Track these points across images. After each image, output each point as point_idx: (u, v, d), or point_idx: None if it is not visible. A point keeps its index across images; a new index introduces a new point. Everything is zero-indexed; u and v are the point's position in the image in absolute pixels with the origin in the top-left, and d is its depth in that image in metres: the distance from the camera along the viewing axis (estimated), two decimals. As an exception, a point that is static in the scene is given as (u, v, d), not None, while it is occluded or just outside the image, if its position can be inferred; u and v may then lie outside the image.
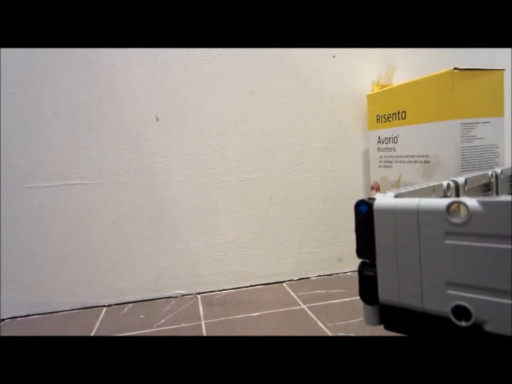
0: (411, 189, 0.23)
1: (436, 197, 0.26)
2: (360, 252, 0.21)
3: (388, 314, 0.20)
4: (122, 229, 0.48)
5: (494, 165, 0.38)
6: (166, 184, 0.49)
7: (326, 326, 0.38)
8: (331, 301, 0.44)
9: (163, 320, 0.43)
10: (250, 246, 0.51)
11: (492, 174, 0.35)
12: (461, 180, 0.29)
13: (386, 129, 0.47)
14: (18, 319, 0.46)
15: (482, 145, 0.38)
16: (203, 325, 0.41)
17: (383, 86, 0.52)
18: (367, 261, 0.21)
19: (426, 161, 0.40)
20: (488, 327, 0.17)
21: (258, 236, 0.51)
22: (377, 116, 0.49)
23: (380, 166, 0.49)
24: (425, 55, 0.56)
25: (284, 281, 0.52)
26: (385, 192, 0.22)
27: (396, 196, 0.21)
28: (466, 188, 0.30)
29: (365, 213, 0.20)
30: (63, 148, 0.46)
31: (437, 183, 0.27)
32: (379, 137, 0.48)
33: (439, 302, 0.18)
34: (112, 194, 0.47)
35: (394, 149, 0.45)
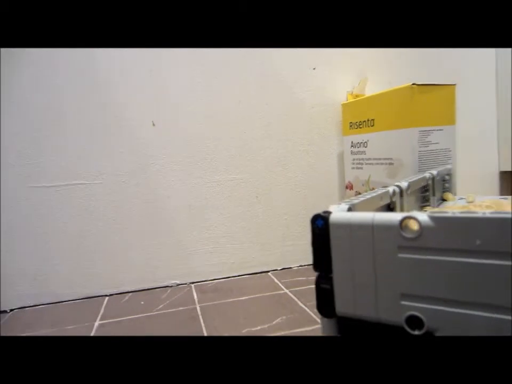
0: (362, 199, 0.25)
1: (383, 203, 0.29)
2: (317, 265, 0.21)
3: (345, 325, 0.21)
4: (121, 225, 0.53)
5: (444, 167, 0.45)
6: (162, 184, 0.54)
7: (305, 305, 0.44)
8: (310, 286, 0.50)
9: (161, 305, 0.48)
10: (238, 239, 0.57)
11: (429, 176, 0.38)
12: (404, 184, 0.31)
13: (358, 135, 0.53)
14: (26, 309, 0.50)
15: (437, 149, 0.44)
16: (198, 308, 0.46)
17: (356, 96, 0.59)
18: (324, 274, 0.21)
19: (390, 163, 0.47)
20: (439, 334, 0.18)
21: (245, 231, 0.57)
22: (350, 123, 0.55)
23: (353, 168, 0.55)
24: (396, 67, 0.62)
25: (268, 271, 0.58)
26: (343, 201, 0.23)
27: (349, 209, 0.22)
28: (408, 192, 0.32)
29: (321, 227, 0.21)
30: (66, 150, 0.50)
31: (384, 190, 0.29)
32: (352, 142, 0.55)
33: (393, 313, 0.19)
34: (111, 193, 0.52)
35: (364, 153, 0.52)
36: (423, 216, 0.18)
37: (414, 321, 0.19)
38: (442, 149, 0.45)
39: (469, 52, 0.67)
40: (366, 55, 0.61)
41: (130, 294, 0.53)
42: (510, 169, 0.69)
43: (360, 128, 0.52)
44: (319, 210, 0.21)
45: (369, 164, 0.51)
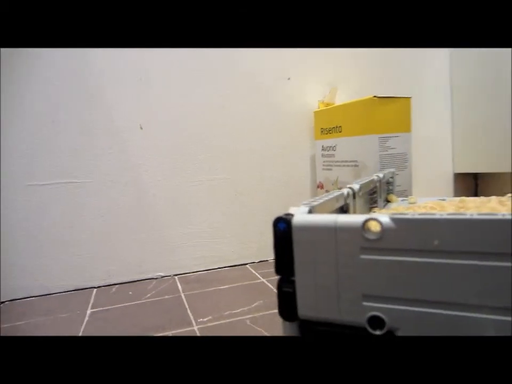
0: (320, 201, 0.25)
1: (339, 205, 0.29)
2: (278, 269, 0.21)
3: (307, 328, 0.21)
4: (109, 221, 0.56)
5: (404, 168, 0.51)
6: (148, 182, 0.58)
7: (280, 292, 0.49)
8: (285, 276, 0.56)
9: (149, 294, 0.52)
10: (219, 234, 0.62)
11: (377, 178, 0.40)
12: (356, 187, 0.33)
13: (328, 139, 0.59)
14: (17, 301, 0.53)
15: (394, 153, 0.51)
16: (183, 296, 0.50)
17: (327, 104, 0.64)
18: (285, 277, 0.21)
19: (355, 165, 0.53)
20: (399, 333, 0.19)
21: (225, 226, 0.62)
22: (321, 128, 0.61)
23: (324, 169, 0.61)
24: (363, 79, 0.69)
25: (247, 263, 0.63)
26: (302, 203, 0.24)
27: (309, 211, 0.22)
28: (360, 194, 0.33)
29: (283, 230, 0.21)
30: (59, 151, 0.54)
31: (339, 193, 0.30)
32: (322, 145, 0.60)
33: (355, 314, 0.19)
34: (101, 191, 0.56)
35: (333, 155, 0.58)
36: (384, 218, 0.19)
37: (376, 321, 0.19)
38: (399, 153, 0.51)
39: (426, 66, 0.74)
40: (336, 67, 0.67)
41: (117, 285, 0.57)
42: (463, 171, 0.77)
43: (330, 133, 0.58)
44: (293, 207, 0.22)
45: (338, 165, 0.57)
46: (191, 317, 0.43)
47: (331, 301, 0.20)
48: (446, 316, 0.18)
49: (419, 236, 0.18)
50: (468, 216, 0.18)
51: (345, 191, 0.31)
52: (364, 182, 0.36)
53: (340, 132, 0.56)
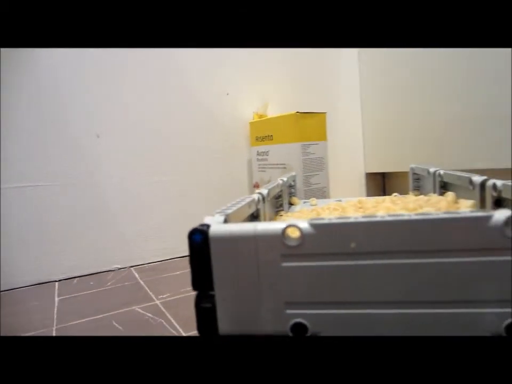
0: (234, 208, 0.25)
1: (251, 211, 0.29)
2: (196, 284, 0.20)
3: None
4: (71, 220, 0.62)
5: (321, 170, 0.64)
6: (106, 185, 0.65)
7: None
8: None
9: (109, 283, 0.59)
10: (170, 229, 0.70)
11: (282, 183, 0.42)
12: (264, 192, 0.33)
13: (262, 146, 0.70)
14: (-20, 296, 0.57)
15: (314, 158, 0.63)
16: (141, 282, 0.58)
17: (261, 116, 0.76)
18: (203, 292, 0.20)
19: (284, 167, 0.65)
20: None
21: (175, 222, 0.70)
22: (256, 136, 0.72)
23: (259, 171, 0.72)
24: (290, 93, 0.81)
25: (195, 254, 0.72)
26: (216, 212, 0.23)
27: (225, 220, 0.22)
28: (268, 199, 0.34)
29: (199, 242, 0.20)
30: (27, 156, 0.59)
31: (250, 199, 0.30)
32: (258, 151, 0.72)
33: (278, 323, 0.19)
34: (64, 193, 0.62)
35: (267, 159, 0.69)
36: (303, 224, 0.19)
37: (299, 328, 0.19)
38: (318, 157, 0.64)
39: (341, 82, 0.89)
40: (267, 83, 0.79)
41: (78, 278, 0.63)
42: (373, 171, 0.93)
43: (263, 141, 0.70)
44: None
45: (270, 168, 0.68)
46: (152, 295, 0.52)
47: (254, 313, 0.19)
48: (366, 315, 0.19)
49: (337, 240, 0.18)
50: (379, 219, 0.18)
51: (255, 196, 0.31)
52: (271, 186, 0.36)
53: (272, 139, 0.67)
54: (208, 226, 0.20)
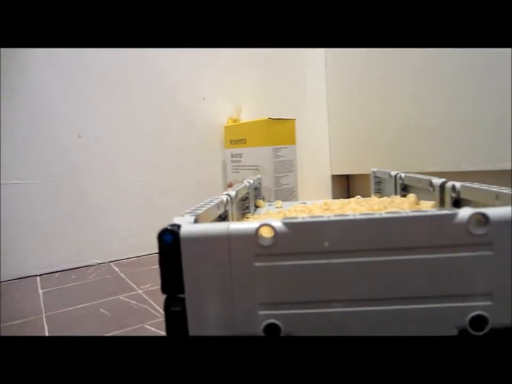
0: (203, 209, 0.24)
1: (220, 212, 0.29)
2: (166, 287, 0.20)
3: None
4: (52, 217, 0.65)
5: (290, 172, 0.70)
6: (87, 183, 0.68)
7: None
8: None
9: (91, 276, 0.62)
10: (146, 226, 0.74)
11: (248, 185, 0.42)
12: (232, 193, 0.33)
13: (236, 148, 0.75)
14: (-39, 290, 0.59)
15: (284, 160, 0.69)
16: (122, 275, 0.62)
17: (234, 120, 0.81)
18: (173, 295, 0.20)
19: (257, 169, 0.70)
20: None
21: (151, 219, 0.74)
22: (230, 140, 0.77)
23: (233, 172, 0.77)
24: (262, 99, 0.87)
25: (171, 250, 0.76)
26: (185, 213, 0.23)
27: (195, 220, 0.21)
28: (236, 200, 0.34)
29: (170, 243, 0.19)
30: (9, 155, 0.61)
31: (219, 199, 0.29)
32: (232, 153, 0.77)
33: (252, 324, 0.19)
34: (43, 191, 0.64)
35: (240, 161, 0.74)
36: (277, 223, 0.19)
37: (272, 329, 0.19)
38: (288, 160, 0.70)
39: (307, 89, 0.96)
40: (240, 89, 0.84)
41: (59, 272, 0.65)
42: (338, 174, 1.00)
43: (237, 144, 0.75)
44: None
45: (243, 169, 0.73)
46: (134, 286, 0.56)
47: (226, 315, 0.19)
48: (339, 314, 0.19)
49: (311, 239, 0.18)
50: (352, 217, 0.18)
51: (224, 197, 0.31)
52: (238, 188, 0.36)
53: (245, 143, 0.72)
54: (178, 226, 0.20)
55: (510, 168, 0.58)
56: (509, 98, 0.58)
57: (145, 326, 0.41)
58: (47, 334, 0.41)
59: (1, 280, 0.62)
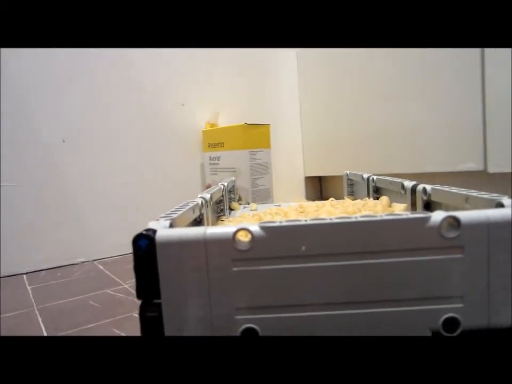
0: (178, 212, 0.24)
1: (195, 215, 0.28)
2: (141, 292, 0.20)
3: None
4: (39, 217, 0.68)
5: (266, 174, 0.75)
6: (72, 185, 0.71)
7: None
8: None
9: (76, 273, 0.65)
10: (129, 226, 0.77)
11: (223, 187, 0.43)
12: (207, 196, 0.33)
13: (214, 152, 0.80)
14: None
15: (260, 163, 0.74)
16: (106, 272, 0.65)
17: (212, 125, 0.86)
18: (149, 301, 0.20)
19: (234, 171, 0.75)
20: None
21: (134, 218, 0.78)
22: (208, 143, 0.81)
23: (211, 174, 0.82)
24: (239, 104, 0.92)
25: (153, 248, 0.79)
26: (161, 217, 0.23)
27: (171, 225, 0.21)
28: (211, 203, 0.34)
29: (145, 248, 0.19)
30: (-10, 160, 0.63)
31: (194, 203, 0.29)
32: (210, 156, 0.81)
33: (229, 329, 0.19)
34: (28, 193, 0.67)
35: (218, 164, 0.79)
36: (254, 227, 0.18)
37: (250, 333, 0.19)
38: (263, 163, 0.75)
39: (282, 94, 1.01)
40: (218, 95, 0.89)
41: (44, 271, 0.68)
42: (311, 175, 1.06)
43: (215, 147, 0.79)
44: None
45: (221, 171, 0.78)
46: (120, 281, 0.59)
47: (203, 321, 0.19)
48: (316, 317, 0.19)
49: (288, 243, 0.18)
50: (329, 221, 0.18)
51: (199, 200, 0.31)
52: (213, 191, 0.36)
53: (223, 146, 0.77)
54: (154, 231, 0.20)
55: (468, 169, 0.63)
56: (469, 104, 0.63)
57: (134, 314, 0.45)
58: (41, 325, 0.44)
59: (-12, 279, 0.64)
